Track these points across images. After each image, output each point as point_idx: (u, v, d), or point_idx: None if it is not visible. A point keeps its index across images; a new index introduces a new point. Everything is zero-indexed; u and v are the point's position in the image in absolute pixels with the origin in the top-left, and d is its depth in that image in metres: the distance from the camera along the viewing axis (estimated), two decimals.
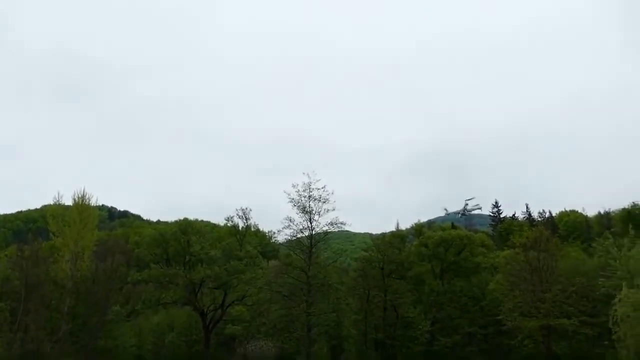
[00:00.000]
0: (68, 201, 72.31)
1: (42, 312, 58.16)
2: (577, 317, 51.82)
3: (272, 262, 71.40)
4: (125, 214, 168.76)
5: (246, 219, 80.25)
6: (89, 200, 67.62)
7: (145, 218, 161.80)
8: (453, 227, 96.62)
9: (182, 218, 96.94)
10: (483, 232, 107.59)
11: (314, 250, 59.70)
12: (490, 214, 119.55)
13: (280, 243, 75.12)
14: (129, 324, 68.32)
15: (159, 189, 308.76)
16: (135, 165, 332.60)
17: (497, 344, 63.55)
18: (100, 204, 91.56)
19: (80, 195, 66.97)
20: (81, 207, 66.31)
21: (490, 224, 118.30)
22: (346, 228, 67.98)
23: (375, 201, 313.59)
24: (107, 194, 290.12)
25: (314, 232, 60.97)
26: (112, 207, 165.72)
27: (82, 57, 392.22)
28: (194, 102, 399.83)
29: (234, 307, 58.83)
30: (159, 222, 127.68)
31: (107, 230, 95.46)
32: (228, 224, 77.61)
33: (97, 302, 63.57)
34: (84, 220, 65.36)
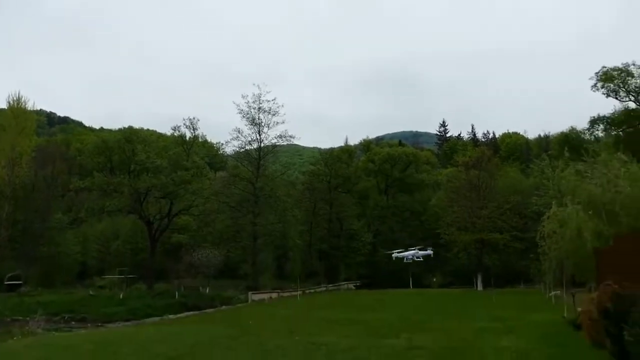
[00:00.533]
0: (2, 104, 68.13)
1: None
2: (509, 232, 55.01)
3: (220, 174, 70.74)
4: (66, 120, 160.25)
5: (193, 129, 77.70)
6: (25, 104, 63.65)
7: (87, 125, 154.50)
8: (400, 144, 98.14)
9: (126, 126, 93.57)
10: (429, 150, 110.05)
11: (262, 162, 59.48)
12: (437, 132, 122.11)
13: (228, 154, 74.07)
14: (73, 231, 67.07)
15: (102, 95, 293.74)
16: (76, 69, 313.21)
17: (434, 256, 67.05)
18: (38, 109, 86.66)
19: (15, 98, 62.84)
20: (17, 110, 62.38)
21: (437, 143, 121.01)
22: (295, 142, 68.01)
23: (325, 117, 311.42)
24: (45, 98, 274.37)
25: (262, 145, 60.41)
26: (51, 113, 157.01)
27: None
28: (138, 5, 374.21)
29: (180, 216, 58.42)
30: (102, 129, 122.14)
31: (46, 137, 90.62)
32: (175, 134, 75.12)
33: (37, 208, 61.85)
34: (20, 124, 61.77)
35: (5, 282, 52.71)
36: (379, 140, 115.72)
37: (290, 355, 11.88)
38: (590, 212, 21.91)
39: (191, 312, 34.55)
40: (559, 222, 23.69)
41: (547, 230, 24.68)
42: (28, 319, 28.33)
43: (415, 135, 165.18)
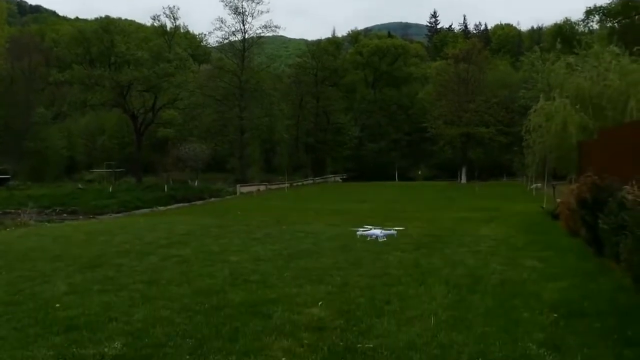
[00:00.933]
0: None
1: None
2: (495, 126, 55.42)
3: (204, 66, 68.90)
4: (38, 8, 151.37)
5: (174, 19, 74.79)
6: None
7: (61, 14, 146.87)
8: (389, 36, 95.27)
9: (103, 16, 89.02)
10: (418, 42, 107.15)
11: (246, 54, 58.08)
12: (428, 24, 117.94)
13: (211, 46, 71.95)
14: (57, 126, 66.31)
15: None
16: None
17: (419, 150, 67.96)
18: None
19: None
20: None
21: (427, 35, 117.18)
22: (281, 33, 66.01)
23: (312, 7, 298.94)
24: None
25: (246, 36, 58.70)
26: (21, 1, 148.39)
27: None
28: None
29: (165, 110, 57.74)
30: (77, 19, 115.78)
31: (18, 27, 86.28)
32: (154, 24, 72.14)
33: (18, 103, 60.52)
34: None
35: None
36: (367, 31, 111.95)
37: (278, 242, 12.29)
38: (577, 106, 21.87)
39: (180, 204, 35.15)
40: (545, 115, 23.71)
41: (532, 124, 24.78)
42: (19, 211, 28.74)
43: (405, 27, 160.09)
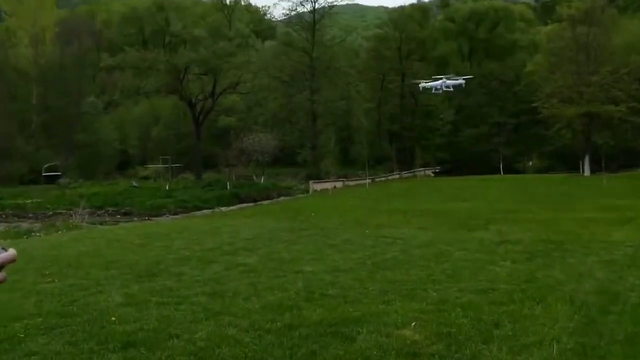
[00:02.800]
0: None
1: (8, 105, 59.42)
2: (626, 103, 52.19)
3: (269, 43, 70.20)
4: None
5: None
6: None
7: None
8: None
9: None
10: (524, 2, 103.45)
11: (317, 27, 58.65)
12: None
13: (277, 19, 73.16)
14: (108, 116, 70.10)
15: None
16: None
17: (529, 135, 65.61)
18: None
19: None
20: None
21: None
22: (357, 0, 65.77)
23: None
24: None
25: (317, 5, 59.20)
26: None
27: None
28: None
29: (226, 96, 59.61)
30: None
31: (68, 9, 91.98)
32: None
33: (68, 91, 64.55)
34: None
35: (44, 174, 56.65)
36: None
37: (360, 249, 12.22)
38: None
39: (245, 204, 36.05)
40: None
41: None
42: (71, 212, 30.62)
43: None
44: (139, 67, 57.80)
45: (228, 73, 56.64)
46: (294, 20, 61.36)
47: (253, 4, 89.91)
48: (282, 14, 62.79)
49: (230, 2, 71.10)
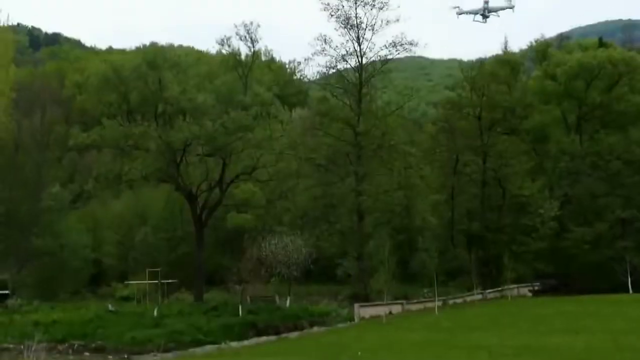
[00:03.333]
0: None
1: None
2: None
3: (299, 112, 71.71)
4: (56, 38, 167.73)
5: (252, 42, 79.21)
6: None
7: (88, 45, 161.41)
8: (601, 44, 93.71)
9: (147, 44, 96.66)
10: None
11: (365, 90, 59.80)
12: None
13: (310, 80, 74.74)
14: (77, 213, 71.29)
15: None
16: None
17: None
18: (15, 24, 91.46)
19: None
20: None
21: None
22: (419, 51, 67.29)
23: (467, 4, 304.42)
24: (24, 9, 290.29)
25: (365, 61, 60.47)
26: (34, 29, 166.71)
27: None
28: None
29: (239, 184, 60.38)
30: (110, 50, 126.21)
31: (29, 66, 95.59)
32: (223, 51, 76.95)
33: (24, 180, 66.32)
34: None
35: None
36: (562, 39, 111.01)
37: None
38: None
39: (264, 338, 35.63)
40: None
41: None
42: (22, 346, 30.49)
43: (627, 27, 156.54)
44: (121, 147, 58.90)
45: (242, 154, 57.43)
46: (333, 81, 62.44)
47: (277, 59, 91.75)
48: (318, 72, 63.92)
49: (246, 56, 73.12)
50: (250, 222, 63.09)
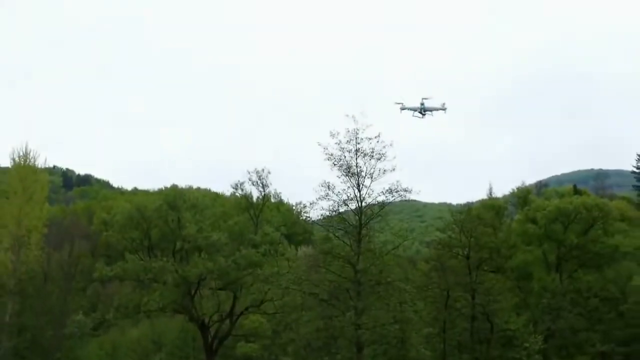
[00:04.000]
0: (4, 162, 77.14)
1: None
2: None
3: (304, 250, 75.10)
4: (87, 179, 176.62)
5: (263, 187, 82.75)
6: (35, 161, 72.30)
7: (115, 186, 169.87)
8: (576, 191, 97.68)
9: (169, 186, 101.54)
10: (623, 197, 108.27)
11: (364, 231, 62.07)
12: (634, 169, 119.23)
13: (314, 222, 77.95)
14: (98, 340, 73.71)
15: (134, 145, 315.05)
16: (99, 112, 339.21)
17: None
18: (51, 166, 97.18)
19: (22, 154, 71.62)
20: (24, 170, 70.99)
21: (634, 186, 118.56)
22: (413, 197, 69.69)
23: (455, 156, 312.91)
24: (60, 153, 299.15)
25: (364, 205, 63.51)
26: (67, 170, 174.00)
27: None
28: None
29: (248, 316, 63.06)
30: (135, 191, 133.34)
31: (62, 204, 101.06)
32: (237, 194, 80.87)
33: (50, 308, 69.51)
34: (29, 189, 70.15)
35: None
36: (540, 187, 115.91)
37: None
38: None
39: None
40: None
41: None
42: None
43: (599, 176, 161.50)
44: (141, 279, 62.06)
45: (252, 288, 60.44)
46: (335, 223, 64.98)
47: (285, 201, 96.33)
48: (321, 214, 66.80)
49: (257, 199, 77.45)
50: (258, 352, 65.19)
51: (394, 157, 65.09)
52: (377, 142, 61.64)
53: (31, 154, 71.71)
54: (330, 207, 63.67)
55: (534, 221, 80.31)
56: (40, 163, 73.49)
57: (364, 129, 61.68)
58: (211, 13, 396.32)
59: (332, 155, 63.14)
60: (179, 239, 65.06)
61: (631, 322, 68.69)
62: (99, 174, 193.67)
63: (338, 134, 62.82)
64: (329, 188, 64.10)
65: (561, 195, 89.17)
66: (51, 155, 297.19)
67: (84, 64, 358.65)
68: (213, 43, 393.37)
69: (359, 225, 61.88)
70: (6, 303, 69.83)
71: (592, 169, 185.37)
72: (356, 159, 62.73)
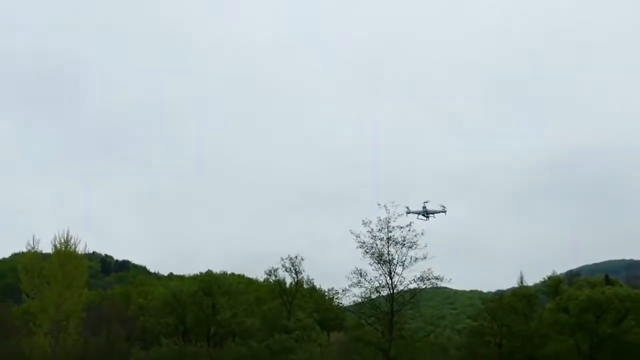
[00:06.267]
0: (47, 248, 76.44)
1: None
2: None
3: (336, 336, 72.75)
4: (125, 265, 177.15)
5: (296, 273, 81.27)
6: (75, 247, 71.52)
7: (152, 271, 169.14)
8: (608, 281, 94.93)
9: (204, 271, 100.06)
10: None
11: (396, 318, 60.79)
12: None
13: (346, 308, 76.13)
14: None
15: (170, 231, 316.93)
16: (136, 198, 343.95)
17: None
18: (91, 252, 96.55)
19: (63, 240, 70.89)
20: (64, 255, 70.17)
21: None
22: (444, 284, 68.39)
23: (487, 244, 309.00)
24: (99, 239, 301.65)
25: (395, 292, 61.97)
26: (106, 256, 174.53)
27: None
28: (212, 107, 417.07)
29: None
30: (171, 276, 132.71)
31: (100, 289, 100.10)
32: (270, 280, 79.35)
33: None
34: (69, 274, 69.09)
35: None
36: (572, 275, 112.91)
37: None
38: None
39: None
40: None
41: None
42: None
43: (631, 266, 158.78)
44: None
45: None
46: (367, 309, 63.80)
47: (318, 287, 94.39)
48: (354, 300, 65.83)
49: (290, 284, 75.54)
50: None
51: (425, 246, 64.42)
52: (409, 230, 61.44)
53: (72, 240, 71.55)
54: (363, 294, 63.34)
55: (565, 310, 77.18)
56: (80, 249, 73.11)
57: (396, 217, 61.53)
58: (244, 109, 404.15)
59: (364, 243, 62.78)
60: (213, 324, 64.23)
61: None
62: (136, 259, 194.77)
63: (370, 222, 62.55)
64: (361, 275, 63.60)
65: (593, 285, 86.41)
66: (90, 241, 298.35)
67: (125, 154, 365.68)
68: (244, 133, 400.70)
69: (391, 312, 61.11)
70: None
71: (623, 259, 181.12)
72: (388, 247, 62.42)
